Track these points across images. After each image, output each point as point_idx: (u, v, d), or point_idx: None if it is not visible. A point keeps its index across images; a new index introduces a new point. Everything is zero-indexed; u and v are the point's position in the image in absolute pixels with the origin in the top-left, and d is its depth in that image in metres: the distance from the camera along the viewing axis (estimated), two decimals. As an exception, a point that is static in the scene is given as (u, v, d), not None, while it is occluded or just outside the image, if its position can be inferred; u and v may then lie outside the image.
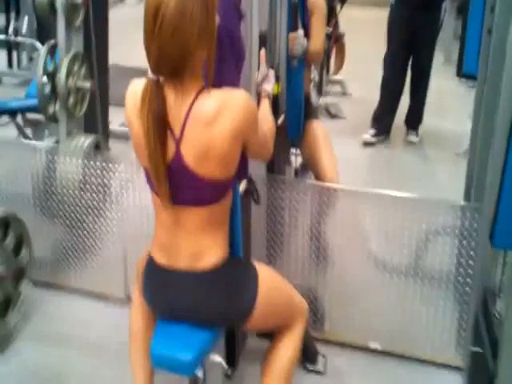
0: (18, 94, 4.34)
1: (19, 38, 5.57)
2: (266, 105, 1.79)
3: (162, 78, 1.43)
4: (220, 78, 1.50)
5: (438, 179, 3.99)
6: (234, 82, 1.58)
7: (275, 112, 1.95)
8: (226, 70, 1.53)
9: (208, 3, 1.40)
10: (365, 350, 2.42)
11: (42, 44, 5.46)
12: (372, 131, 4.58)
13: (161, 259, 1.62)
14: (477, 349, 1.87)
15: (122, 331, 2.41)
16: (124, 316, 2.51)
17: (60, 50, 2.69)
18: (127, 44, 3.41)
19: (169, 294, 1.62)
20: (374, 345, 2.40)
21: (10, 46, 5.68)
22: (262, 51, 1.80)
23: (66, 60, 2.63)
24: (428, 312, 2.30)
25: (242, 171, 1.64)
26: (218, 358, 1.65)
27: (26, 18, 5.60)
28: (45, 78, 2.71)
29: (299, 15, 2.26)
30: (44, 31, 5.63)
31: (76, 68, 2.70)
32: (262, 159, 1.82)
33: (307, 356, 2.30)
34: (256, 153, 1.64)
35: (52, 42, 2.76)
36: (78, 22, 2.66)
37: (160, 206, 1.56)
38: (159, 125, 1.43)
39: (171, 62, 1.40)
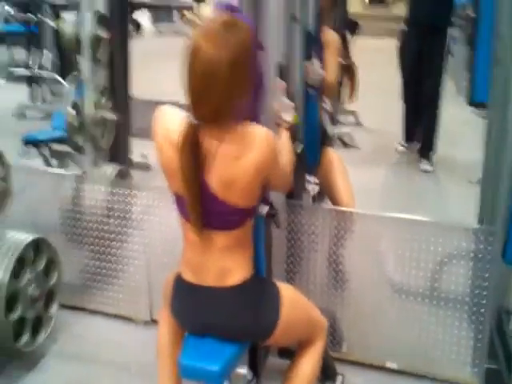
0: (41, 127, 4.51)
1: (42, 72, 5.79)
2: (285, 136, 1.89)
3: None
4: (243, 109, 1.60)
5: (452, 205, 4.06)
6: (254, 110, 1.70)
7: (294, 141, 2.06)
8: (248, 101, 1.64)
9: (254, 54, 1.56)
10: (382, 369, 2.47)
11: (64, 78, 5.73)
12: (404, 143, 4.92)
13: (189, 277, 1.71)
14: (492, 366, 1.93)
15: (146, 351, 2.49)
16: (148, 337, 2.61)
17: (86, 83, 2.83)
18: (143, 77, 3.55)
19: (196, 310, 1.71)
20: (391, 364, 2.46)
21: (32, 80, 5.90)
22: (281, 82, 1.91)
23: (92, 93, 2.76)
24: (444, 332, 2.36)
25: (263, 198, 1.76)
26: (244, 370, 1.73)
27: (47, 52, 5.82)
28: (72, 111, 2.85)
29: (313, 47, 2.37)
30: (65, 65, 5.86)
31: (102, 100, 2.84)
32: (282, 190, 1.95)
33: (326, 375, 2.35)
34: (276, 185, 1.77)
35: (79, 76, 2.90)
36: (103, 56, 2.79)
37: (188, 229, 1.67)
38: (196, 161, 1.55)
39: (217, 112, 1.54)
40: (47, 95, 6.02)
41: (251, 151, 1.56)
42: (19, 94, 5.95)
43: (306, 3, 2.20)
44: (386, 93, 5.75)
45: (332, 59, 2.62)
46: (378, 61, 7.50)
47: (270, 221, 1.92)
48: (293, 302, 1.78)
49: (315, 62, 2.39)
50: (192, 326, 1.76)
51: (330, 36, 2.69)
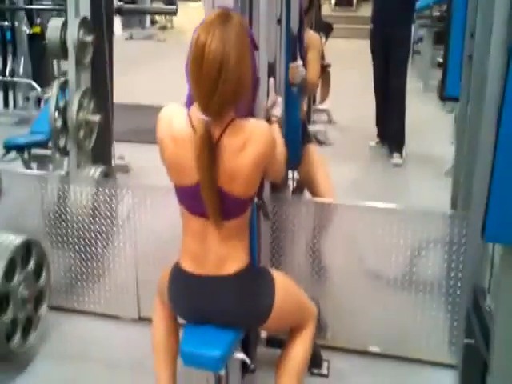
0: (14, 132, 4.51)
1: (16, 79, 5.79)
2: (276, 129, 1.98)
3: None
4: (241, 104, 1.70)
5: (423, 195, 4.19)
6: (250, 107, 1.80)
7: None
8: (248, 96, 1.73)
9: (250, 48, 1.65)
10: (365, 353, 2.58)
11: (37, 84, 5.74)
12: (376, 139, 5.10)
13: (188, 266, 1.79)
14: (470, 341, 2.05)
15: (135, 348, 2.59)
16: (137, 334, 2.69)
17: (70, 86, 2.88)
18: (118, 81, 3.60)
19: (195, 299, 1.79)
20: (373, 348, 2.56)
21: (6, 87, 5.89)
22: (271, 80, 2.02)
23: (77, 95, 2.82)
24: (422, 315, 2.48)
25: (259, 191, 1.86)
26: (241, 355, 1.81)
27: (22, 59, 5.82)
28: (56, 113, 2.90)
29: (297, 48, 2.48)
30: (38, 71, 5.87)
31: (85, 103, 2.90)
32: (277, 180, 2.04)
33: (313, 362, 2.44)
34: (273, 174, 1.88)
35: (62, 79, 2.95)
36: (87, 59, 2.85)
37: (190, 219, 1.76)
38: (211, 155, 1.63)
39: (224, 105, 1.63)
40: (20, 101, 6.01)
41: (252, 144, 1.65)
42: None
43: (290, 7, 2.31)
44: (357, 92, 5.92)
45: (314, 59, 2.74)
46: (346, 61, 7.67)
47: (259, 212, 2.02)
48: (286, 288, 1.87)
49: (300, 62, 2.50)
50: (191, 315, 1.83)
51: (313, 37, 2.81)
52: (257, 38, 1.87)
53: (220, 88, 1.58)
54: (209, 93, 1.60)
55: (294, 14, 2.42)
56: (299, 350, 1.94)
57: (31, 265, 2.55)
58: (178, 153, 1.69)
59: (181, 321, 1.96)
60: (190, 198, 1.73)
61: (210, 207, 1.69)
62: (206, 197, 1.68)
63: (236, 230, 1.76)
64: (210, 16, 1.63)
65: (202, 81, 1.60)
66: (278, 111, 2.03)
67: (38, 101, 5.75)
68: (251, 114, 1.82)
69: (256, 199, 1.96)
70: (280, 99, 2.05)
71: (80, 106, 2.85)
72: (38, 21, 5.94)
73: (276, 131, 1.94)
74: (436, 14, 6.51)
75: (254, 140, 1.66)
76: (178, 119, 1.70)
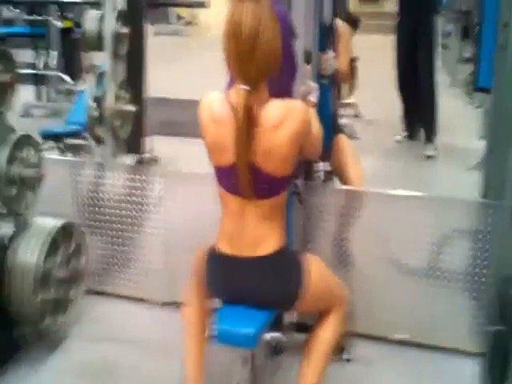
0: (48, 124, 4.62)
1: (48, 72, 5.92)
2: (312, 112, 2.02)
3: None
4: (279, 88, 1.78)
5: (455, 185, 4.19)
6: (289, 92, 1.87)
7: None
8: (284, 81, 1.82)
9: (279, 27, 1.72)
10: (389, 341, 2.60)
11: (70, 77, 5.86)
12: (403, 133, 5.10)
13: (225, 247, 1.86)
14: (496, 328, 2.08)
15: (163, 329, 2.64)
16: (166, 317, 2.74)
17: (107, 77, 2.97)
18: (151, 76, 3.69)
19: (231, 280, 1.86)
20: (398, 336, 2.58)
21: (39, 80, 6.03)
22: (308, 67, 2.08)
23: (113, 86, 2.91)
24: (449, 302, 2.50)
25: (296, 171, 1.90)
26: (274, 334, 1.87)
27: (54, 52, 5.96)
28: (94, 104, 2.99)
29: (329, 38, 2.54)
30: (71, 65, 6.00)
31: (122, 94, 2.99)
32: (313, 157, 2.11)
33: (338, 345, 2.50)
34: (309, 152, 1.93)
35: (100, 70, 3.05)
36: (124, 51, 2.94)
37: (228, 198, 1.83)
38: (249, 131, 1.70)
39: (261, 75, 1.71)
40: (52, 94, 6.15)
41: (289, 121, 1.72)
42: (25, 93, 6.06)
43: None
44: (382, 86, 5.93)
45: (345, 50, 2.79)
46: (371, 56, 7.66)
47: (295, 198, 2.08)
48: (318, 272, 1.93)
49: (331, 53, 2.56)
50: (227, 295, 1.90)
51: (343, 29, 2.86)
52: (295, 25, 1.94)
53: (256, 55, 1.66)
54: (247, 60, 1.67)
55: (327, 4, 2.47)
56: (327, 332, 1.99)
57: (71, 248, 2.63)
58: (217, 133, 1.76)
59: (212, 305, 2.01)
60: (228, 177, 1.80)
61: (243, 184, 1.75)
62: (240, 173, 1.74)
63: (272, 211, 1.82)
64: None
65: (240, 51, 1.68)
66: (314, 97, 2.09)
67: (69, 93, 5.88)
68: (290, 96, 1.88)
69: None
70: (316, 86, 2.11)
71: (116, 97, 2.94)
72: (70, 15, 6.07)
73: (312, 113, 1.98)
74: (464, 8, 6.49)
75: (290, 118, 1.73)
76: (217, 102, 1.78)
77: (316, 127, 1.92)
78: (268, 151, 1.73)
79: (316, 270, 1.92)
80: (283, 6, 1.93)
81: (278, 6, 1.81)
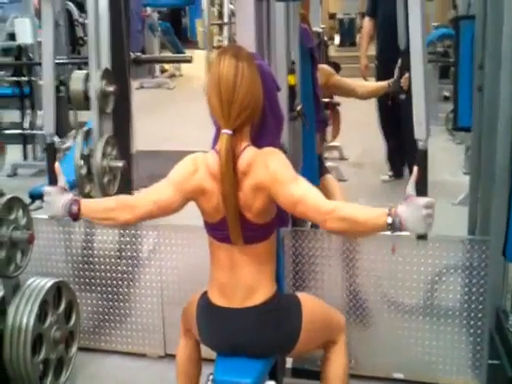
0: (35, 183, 4.63)
1: (34, 131, 5.97)
2: (282, 159, 1.88)
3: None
4: (264, 138, 1.83)
5: (441, 222, 4.23)
6: (275, 141, 1.90)
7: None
8: (269, 131, 1.85)
9: (258, 78, 1.79)
10: (389, 380, 2.60)
11: (56, 135, 5.89)
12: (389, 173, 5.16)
13: (217, 299, 1.87)
14: (494, 362, 2.09)
15: (160, 383, 2.61)
16: (163, 371, 2.73)
17: (94, 134, 3.00)
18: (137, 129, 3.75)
19: (225, 332, 1.86)
20: (397, 375, 2.59)
21: (25, 140, 6.07)
22: None
23: (101, 143, 2.93)
24: (446, 339, 2.52)
25: (281, 219, 1.91)
26: (271, 383, 1.87)
27: (41, 112, 6.01)
28: (81, 161, 3.01)
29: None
30: (57, 123, 6.03)
31: (109, 150, 3.01)
32: (312, 215, 1.73)
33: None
34: (306, 215, 1.73)
35: (86, 128, 3.08)
36: (110, 108, 2.98)
37: (218, 249, 1.84)
38: (233, 175, 1.73)
39: (242, 120, 1.74)
40: (39, 153, 6.18)
41: (253, 170, 1.74)
42: (11, 152, 6.10)
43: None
44: (365, 129, 6.04)
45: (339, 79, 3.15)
46: (352, 100, 7.81)
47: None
48: (313, 310, 1.94)
49: None
50: (222, 347, 1.90)
51: (325, 68, 2.97)
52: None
53: (236, 101, 1.71)
54: (227, 106, 1.72)
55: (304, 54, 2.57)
56: (337, 366, 2.00)
57: (62, 306, 2.63)
58: (218, 188, 1.76)
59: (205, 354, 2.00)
60: (219, 229, 1.81)
61: (233, 231, 1.76)
62: (229, 221, 1.75)
63: (261, 256, 1.83)
64: (223, 48, 1.84)
65: (221, 99, 1.73)
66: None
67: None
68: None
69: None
70: None
71: (104, 153, 2.96)
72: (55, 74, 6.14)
73: (281, 159, 1.82)
74: (439, 49, 6.67)
75: (254, 166, 1.75)
76: (210, 157, 1.80)
77: (290, 174, 1.75)
78: (244, 199, 1.75)
79: (309, 307, 1.93)
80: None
81: (263, 61, 1.89)
